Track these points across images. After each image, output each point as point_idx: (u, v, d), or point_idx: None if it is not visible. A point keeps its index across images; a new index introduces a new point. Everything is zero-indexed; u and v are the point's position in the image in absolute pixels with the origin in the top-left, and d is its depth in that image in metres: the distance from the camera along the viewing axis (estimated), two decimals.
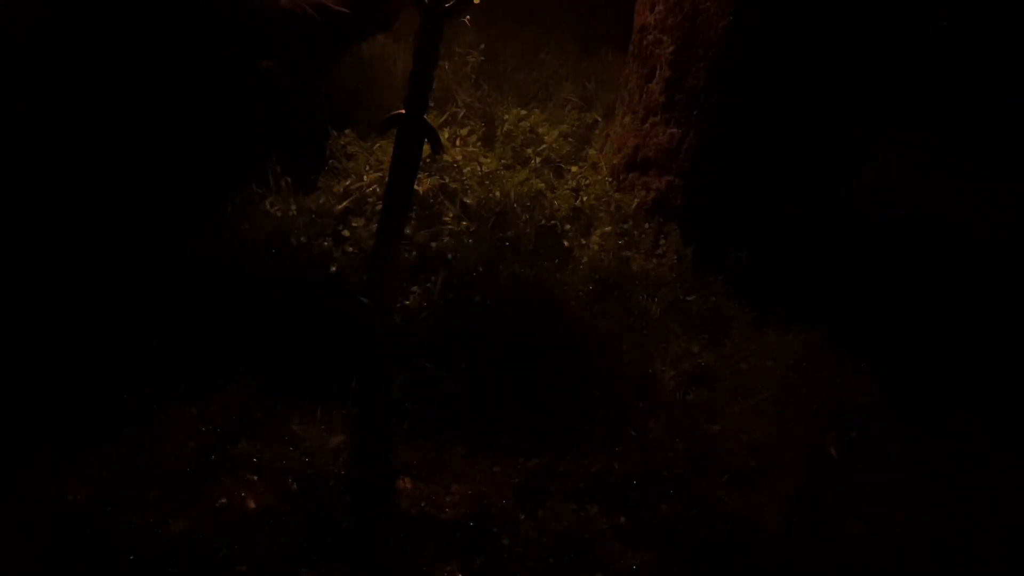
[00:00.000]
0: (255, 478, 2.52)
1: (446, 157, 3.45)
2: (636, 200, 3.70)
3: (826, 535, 2.61)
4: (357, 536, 2.45)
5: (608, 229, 3.39)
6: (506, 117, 4.04)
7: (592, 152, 4.14)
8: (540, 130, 4.02)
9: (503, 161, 3.68)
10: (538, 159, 3.83)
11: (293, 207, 3.23)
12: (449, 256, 3.17)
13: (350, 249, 3.14)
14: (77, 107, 3.17)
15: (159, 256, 3.07)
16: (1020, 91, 3.19)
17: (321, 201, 3.30)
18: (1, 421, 2.60)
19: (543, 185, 3.52)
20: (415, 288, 3.06)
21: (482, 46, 4.41)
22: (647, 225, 3.56)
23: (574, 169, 3.90)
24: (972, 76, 3.22)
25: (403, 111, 2.72)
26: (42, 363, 2.77)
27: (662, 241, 3.50)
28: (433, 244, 3.20)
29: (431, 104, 3.33)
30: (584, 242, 3.32)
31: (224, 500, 2.43)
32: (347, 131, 3.57)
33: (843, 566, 2.55)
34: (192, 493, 2.43)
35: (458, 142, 3.71)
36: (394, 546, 2.46)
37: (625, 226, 3.53)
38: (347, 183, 3.40)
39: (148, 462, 2.49)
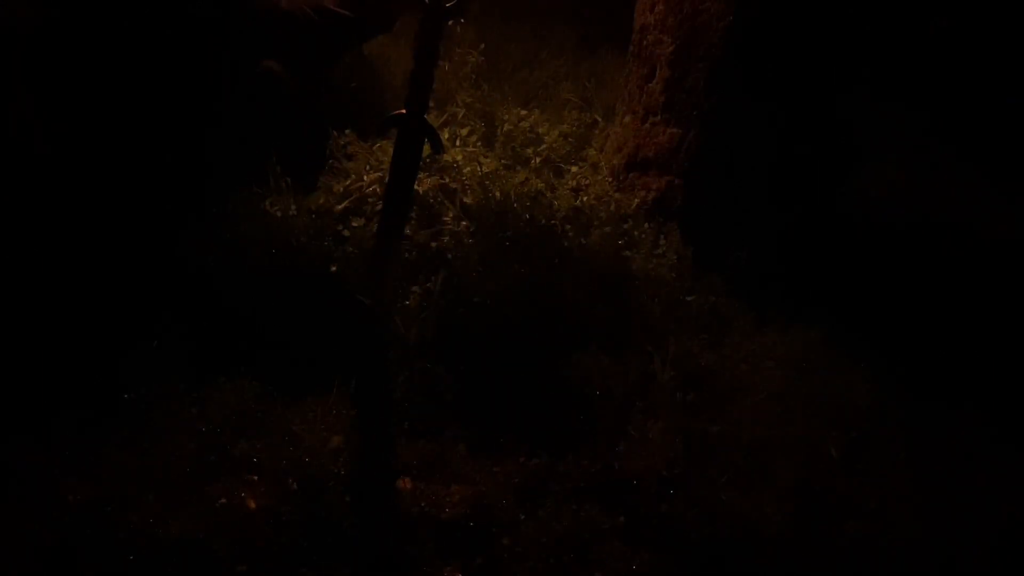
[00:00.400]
0: (255, 478, 2.52)
1: (446, 157, 3.46)
2: (636, 200, 3.70)
3: (826, 535, 2.61)
4: (357, 536, 2.44)
5: (608, 229, 3.39)
6: (506, 117, 4.04)
7: (592, 152, 4.14)
8: (540, 130, 4.02)
9: (503, 161, 3.68)
10: (538, 159, 3.83)
11: (293, 207, 3.23)
12: (449, 256, 3.17)
13: (350, 249, 3.14)
14: (77, 107, 3.17)
15: (159, 256, 3.07)
16: (1020, 91, 3.19)
17: (321, 201, 3.30)
18: (1, 421, 2.61)
19: (543, 185, 3.51)
20: (415, 288, 3.06)
21: (482, 46, 4.41)
22: (647, 225, 3.56)
23: (574, 169, 3.90)
24: (972, 77, 3.21)
25: (403, 111, 2.72)
26: (42, 363, 2.77)
27: (662, 241, 3.50)
28: (433, 244, 3.21)
29: (431, 104, 3.33)
30: (584, 242, 3.32)
31: (224, 500, 2.43)
32: (347, 131, 3.57)
33: (843, 566, 2.55)
34: (192, 493, 2.44)
35: (458, 142, 3.71)
36: (394, 546, 2.46)
37: (625, 226, 3.52)
38: (347, 183, 3.40)
39: (148, 462, 2.49)
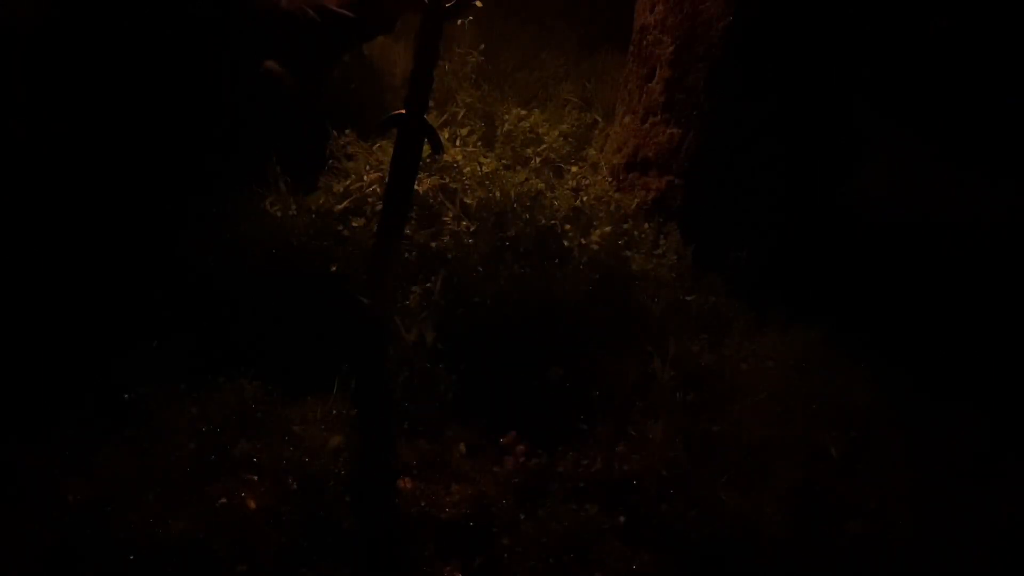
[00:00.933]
0: (255, 478, 2.52)
1: (446, 157, 3.46)
2: (636, 200, 3.70)
3: (826, 535, 2.61)
4: (357, 536, 2.44)
5: (608, 229, 3.39)
6: (506, 117, 4.04)
7: (592, 152, 4.14)
8: (540, 130, 4.02)
9: (503, 161, 3.68)
10: (538, 159, 3.83)
11: (293, 207, 3.23)
12: (449, 256, 3.17)
13: (350, 249, 3.14)
14: (77, 107, 3.17)
15: (159, 256, 3.07)
16: (1020, 91, 3.19)
17: (321, 201, 3.30)
18: (1, 421, 2.60)
19: (543, 185, 3.52)
20: (415, 288, 3.06)
21: (482, 46, 4.41)
22: (647, 225, 3.56)
23: (574, 169, 3.90)
24: (972, 76, 3.21)
25: (403, 111, 2.72)
26: (43, 363, 2.77)
27: (662, 241, 3.50)
28: (433, 244, 3.21)
29: (431, 104, 3.33)
30: (584, 242, 3.32)
31: (224, 500, 2.43)
32: (347, 131, 3.57)
33: (843, 566, 2.55)
34: (192, 493, 2.43)
35: (458, 142, 3.71)
36: (394, 546, 2.46)
37: (625, 226, 3.52)
38: (347, 183, 3.40)
39: (148, 462, 2.49)
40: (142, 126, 3.21)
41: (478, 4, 2.71)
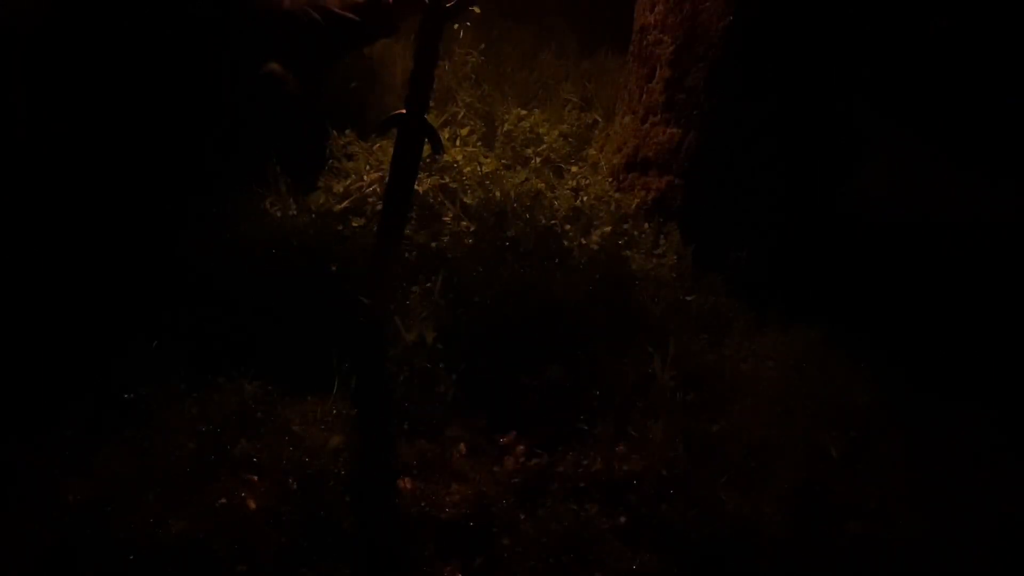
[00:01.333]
0: (255, 478, 2.51)
1: (446, 157, 3.46)
2: (636, 200, 3.70)
3: (826, 535, 2.61)
4: (357, 536, 2.44)
5: (608, 229, 3.39)
6: (506, 117, 4.04)
7: (592, 152, 4.14)
8: (540, 130, 4.02)
9: (503, 161, 3.68)
10: (538, 159, 3.83)
11: (293, 207, 3.23)
12: (449, 256, 3.17)
13: (350, 249, 3.14)
14: (77, 107, 3.17)
15: (159, 256, 3.07)
16: (1020, 91, 3.19)
17: (321, 201, 3.30)
18: (1, 421, 2.61)
19: (543, 185, 3.52)
20: (415, 288, 3.06)
21: (482, 46, 4.41)
22: (647, 225, 3.56)
23: (574, 169, 3.90)
24: (972, 76, 3.22)
25: (403, 111, 2.72)
26: (42, 363, 2.77)
27: (662, 241, 3.50)
28: (433, 244, 3.21)
29: (431, 104, 3.33)
30: (584, 242, 3.32)
31: (224, 500, 2.43)
32: (347, 131, 3.58)
33: (843, 566, 2.55)
34: (192, 493, 2.43)
35: (458, 142, 3.71)
36: (394, 546, 2.46)
37: (625, 226, 3.53)
38: (347, 183, 3.40)
39: (148, 462, 2.49)
40: (142, 126, 3.21)
41: (476, 11, 2.72)
